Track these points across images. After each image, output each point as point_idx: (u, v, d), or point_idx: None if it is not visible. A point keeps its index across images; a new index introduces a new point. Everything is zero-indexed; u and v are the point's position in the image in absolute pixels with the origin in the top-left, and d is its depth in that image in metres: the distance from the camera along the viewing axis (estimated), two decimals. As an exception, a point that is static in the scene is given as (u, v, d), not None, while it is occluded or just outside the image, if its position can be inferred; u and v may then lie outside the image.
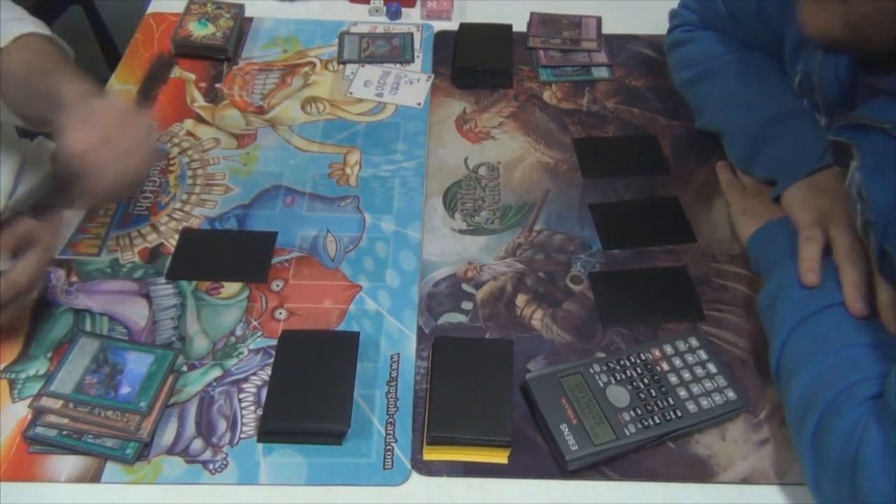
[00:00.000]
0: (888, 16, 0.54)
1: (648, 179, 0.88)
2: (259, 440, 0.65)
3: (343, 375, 0.67)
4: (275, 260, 0.79)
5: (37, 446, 0.64)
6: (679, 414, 0.65)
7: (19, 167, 0.93)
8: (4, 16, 0.80)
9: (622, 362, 0.68)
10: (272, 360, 0.70)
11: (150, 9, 1.10)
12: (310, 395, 0.65)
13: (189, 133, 0.92)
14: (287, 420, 0.65)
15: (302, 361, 0.68)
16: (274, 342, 0.71)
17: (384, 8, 1.09)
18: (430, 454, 0.65)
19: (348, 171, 0.88)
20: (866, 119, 0.60)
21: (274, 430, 0.65)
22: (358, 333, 0.70)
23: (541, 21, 1.07)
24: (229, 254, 0.80)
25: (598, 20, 1.07)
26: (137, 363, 0.68)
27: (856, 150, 0.61)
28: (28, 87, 0.77)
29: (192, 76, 0.99)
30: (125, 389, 0.66)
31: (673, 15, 0.96)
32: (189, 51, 1.01)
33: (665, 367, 0.68)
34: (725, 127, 0.84)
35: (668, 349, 0.69)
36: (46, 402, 0.65)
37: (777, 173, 0.76)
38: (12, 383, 0.68)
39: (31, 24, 0.80)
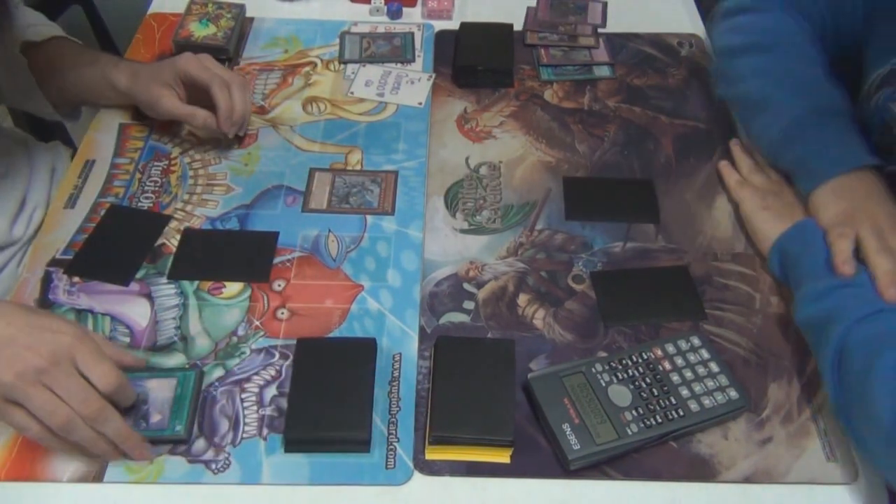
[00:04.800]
0: None
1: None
2: (286, 450, 0.65)
3: (362, 383, 0.67)
4: (276, 260, 0.79)
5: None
6: (681, 413, 0.65)
7: (52, 170, 0.94)
8: (35, 20, 0.92)
9: (624, 361, 0.68)
10: (274, 359, 0.70)
11: (151, 9, 1.10)
12: (331, 404, 0.65)
13: (190, 133, 0.92)
14: (310, 429, 0.64)
15: (321, 370, 0.67)
16: (276, 342, 0.72)
17: (385, 7, 1.09)
18: (433, 454, 0.65)
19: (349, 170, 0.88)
20: None
21: (298, 439, 0.65)
22: (374, 340, 0.70)
23: (547, 4, 1.08)
24: (231, 254, 0.80)
25: (604, 6, 1.07)
26: (160, 389, 0.67)
27: None
28: (64, 75, 0.89)
29: (193, 76, 0.99)
30: (155, 418, 0.65)
31: None
32: (190, 51, 1.01)
33: (667, 366, 0.68)
34: (767, 104, 0.81)
35: (670, 348, 0.69)
36: None
37: (814, 162, 0.75)
38: (14, 384, 0.68)
39: (57, 28, 0.93)
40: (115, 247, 0.79)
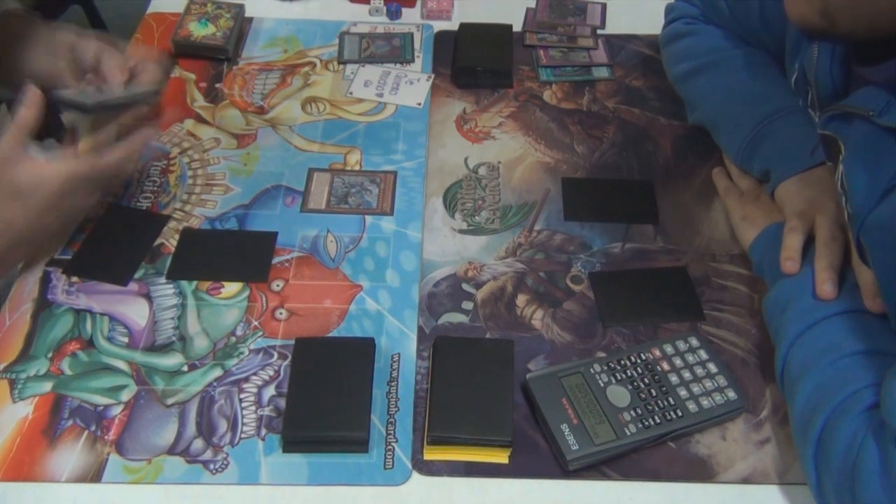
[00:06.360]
0: (859, 6, 0.55)
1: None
2: (284, 450, 0.65)
3: (361, 382, 0.67)
4: (275, 260, 0.79)
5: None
6: (679, 413, 0.65)
7: None
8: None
9: (622, 362, 0.68)
10: (272, 359, 0.70)
11: (150, 9, 1.10)
12: (330, 403, 0.65)
13: (189, 133, 0.92)
14: (309, 429, 0.64)
15: (319, 370, 0.67)
16: (274, 342, 0.72)
17: (384, 8, 1.09)
18: (431, 454, 0.65)
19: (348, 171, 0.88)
20: (850, 107, 0.60)
21: (296, 438, 0.65)
22: (373, 340, 0.70)
23: (547, 5, 1.08)
24: (230, 254, 0.79)
25: (603, 7, 1.08)
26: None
27: (842, 143, 0.62)
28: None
29: (192, 76, 0.99)
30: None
31: (670, 8, 0.96)
32: (189, 51, 1.01)
33: (665, 366, 0.68)
34: (724, 119, 0.84)
35: (669, 349, 0.70)
36: None
37: (773, 167, 0.77)
38: (12, 383, 0.68)
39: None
40: (114, 247, 0.79)
